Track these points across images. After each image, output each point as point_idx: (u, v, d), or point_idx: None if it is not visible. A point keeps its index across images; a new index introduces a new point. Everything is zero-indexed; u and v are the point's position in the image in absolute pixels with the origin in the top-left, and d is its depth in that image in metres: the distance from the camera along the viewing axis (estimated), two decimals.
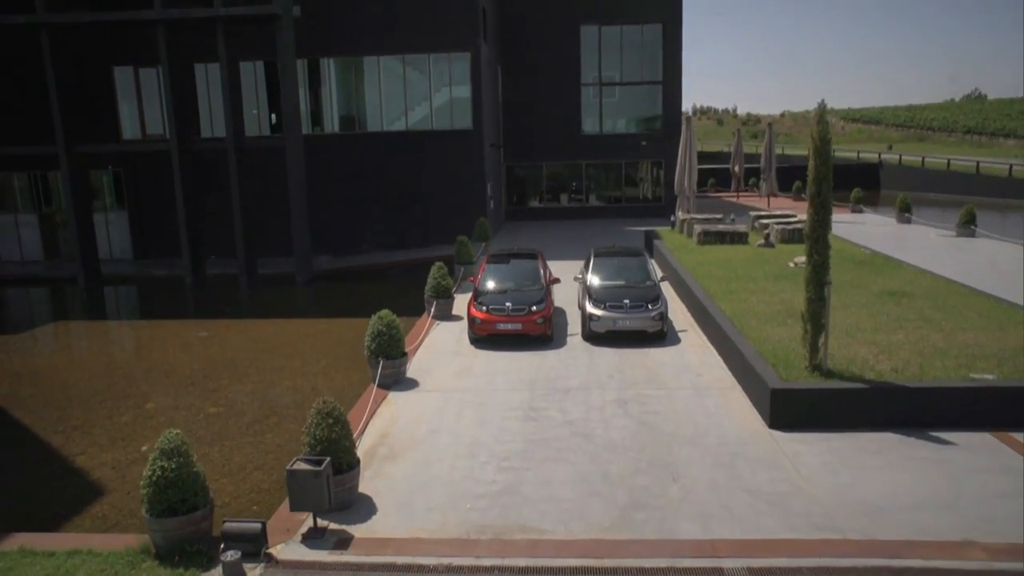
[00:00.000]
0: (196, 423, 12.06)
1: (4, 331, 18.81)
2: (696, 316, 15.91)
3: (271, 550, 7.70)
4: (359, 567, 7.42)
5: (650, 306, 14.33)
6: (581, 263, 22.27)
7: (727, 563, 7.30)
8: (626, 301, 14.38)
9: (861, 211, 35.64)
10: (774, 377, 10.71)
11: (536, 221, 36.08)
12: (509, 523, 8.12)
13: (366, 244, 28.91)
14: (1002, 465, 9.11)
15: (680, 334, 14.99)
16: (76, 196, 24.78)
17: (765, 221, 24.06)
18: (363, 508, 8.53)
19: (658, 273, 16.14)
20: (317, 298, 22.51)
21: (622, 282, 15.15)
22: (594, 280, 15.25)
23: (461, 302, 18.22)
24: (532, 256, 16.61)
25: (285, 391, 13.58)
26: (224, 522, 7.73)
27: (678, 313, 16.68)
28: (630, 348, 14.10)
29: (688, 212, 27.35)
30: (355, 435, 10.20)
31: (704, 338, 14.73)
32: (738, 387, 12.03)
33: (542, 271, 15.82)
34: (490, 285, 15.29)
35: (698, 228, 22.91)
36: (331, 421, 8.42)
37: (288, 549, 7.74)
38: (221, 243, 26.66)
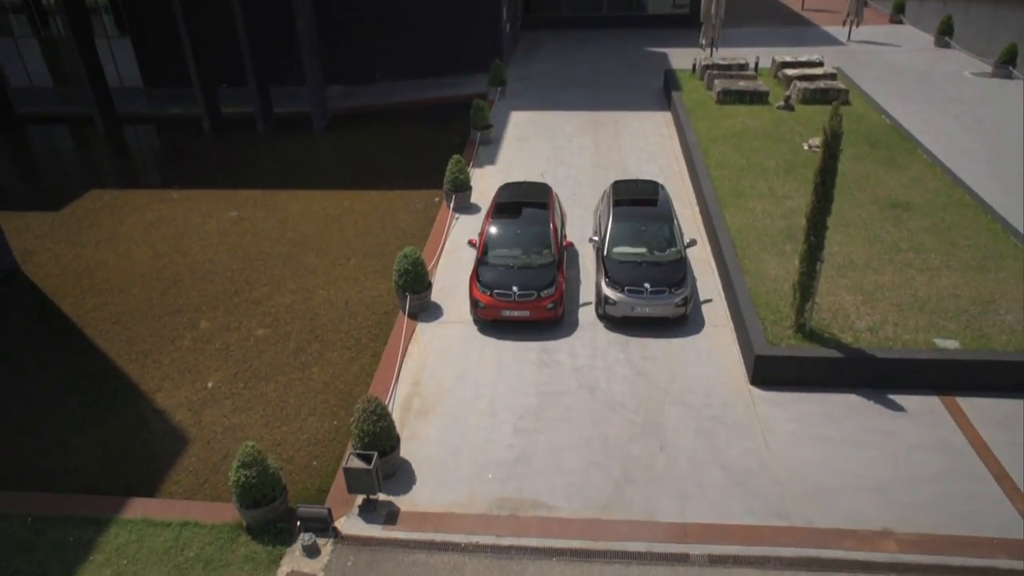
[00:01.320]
0: (249, 351, 13.84)
1: (44, 204, 19.93)
2: (705, 222, 16.73)
3: (336, 523, 9.90)
4: (407, 543, 9.65)
5: (673, 290, 13.02)
6: (594, 119, 22.30)
7: (693, 549, 9.43)
8: (646, 285, 13.00)
9: (900, 22, 33.65)
10: (760, 338, 12.13)
11: (555, 31, 34.52)
12: (524, 497, 10.19)
13: (378, 74, 28.42)
14: (938, 440, 10.88)
15: (688, 250, 15.94)
16: (72, 18, 23.79)
17: (790, 72, 23.38)
18: (405, 477, 10.60)
19: (685, 234, 14.72)
20: (336, 155, 22.99)
21: (643, 249, 13.65)
22: (612, 249, 13.69)
23: (479, 181, 18.95)
24: (543, 205, 14.92)
25: (321, 305, 15.13)
26: (298, 507, 9.85)
27: (688, 216, 17.46)
28: None
29: (713, 42, 26.27)
30: (392, 382, 12.07)
31: (709, 253, 15.77)
32: (730, 326, 13.47)
33: (552, 236, 14.08)
34: (495, 254, 13.90)
35: (718, 86, 22.46)
36: (375, 418, 10.15)
37: (349, 523, 9.93)
38: (230, 70, 26.52)
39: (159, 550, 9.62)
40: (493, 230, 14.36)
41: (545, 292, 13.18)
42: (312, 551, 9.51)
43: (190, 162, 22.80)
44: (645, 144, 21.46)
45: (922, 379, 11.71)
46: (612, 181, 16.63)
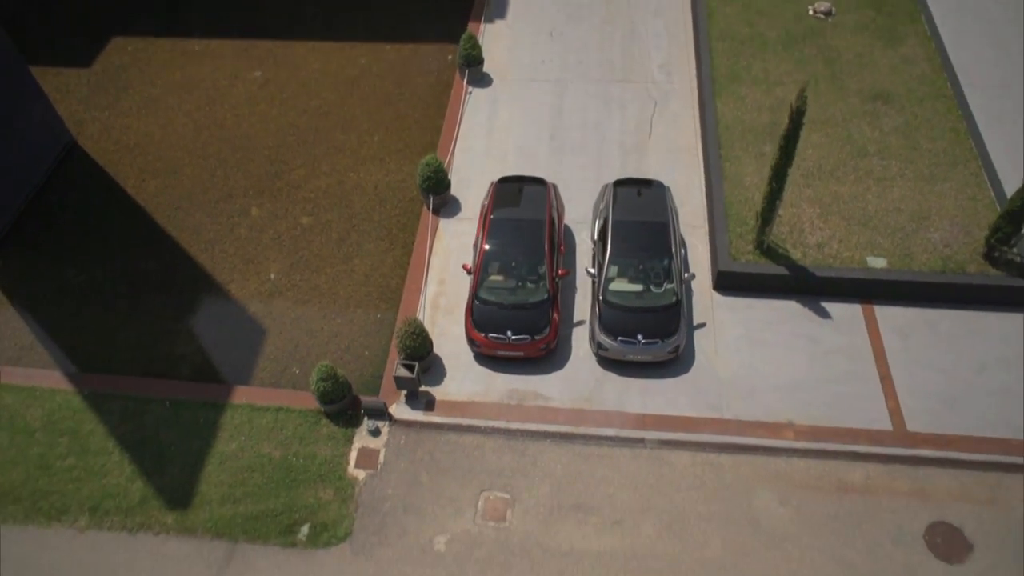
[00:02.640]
0: (297, 241, 16.73)
1: (71, 58, 21.27)
2: (700, 113, 18.47)
3: (390, 409, 13.84)
4: (442, 426, 13.67)
5: (666, 340, 13.57)
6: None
7: (648, 435, 13.42)
8: (639, 337, 13.52)
9: None
10: (725, 254, 15.03)
11: None
12: (527, 389, 14.00)
13: None
14: (849, 345, 14.33)
15: (673, 156, 17.92)
16: None
17: None
18: (438, 371, 14.30)
19: (686, 268, 15.20)
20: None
21: (639, 287, 13.93)
22: (608, 288, 14.00)
23: (491, 43, 20.18)
24: (539, 224, 14.57)
25: (354, 191, 17.64)
26: (362, 400, 13.72)
27: (686, 95, 19.06)
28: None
29: None
30: (422, 281, 15.28)
31: (699, 142, 17.83)
32: (705, 228, 16.22)
33: (548, 266, 14.14)
34: (489, 287, 14.15)
35: None
36: (415, 335, 13.55)
37: (399, 410, 13.86)
38: None
39: (265, 428, 13.70)
40: (487, 259, 14.30)
41: (539, 336, 13.72)
42: (375, 433, 13.57)
43: (202, 2, 23.31)
44: (658, 5, 21.78)
45: (851, 291, 14.82)
46: (613, 182, 15.75)
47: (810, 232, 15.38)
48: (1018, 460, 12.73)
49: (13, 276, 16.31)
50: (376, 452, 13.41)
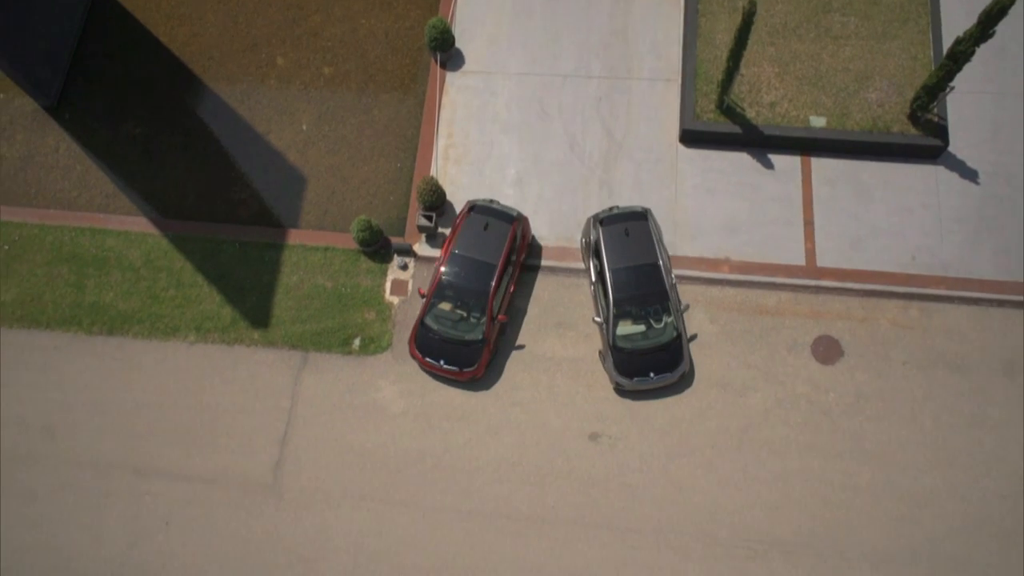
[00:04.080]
0: (322, 91, 19.48)
1: None
2: None
3: (414, 248, 17.93)
4: None
5: (675, 370, 16.09)
6: None
7: None
8: (652, 374, 15.96)
9: None
10: (690, 113, 18.08)
11: None
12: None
13: None
14: (784, 193, 17.99)
15: (656, 7, 19.78)
16: None
17: None
18: (451, 213, 18.14)
19: (682, 299, 16.77)
20: None
21: (642, 328, 16.06)
22: (616, 335, 16.02)
23: None
24: (491, 268, 16.17)
25: (367, 39, 19.92)
26: (392, 240, 17.75)
27: None
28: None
29: None
30: (434, 135, 18.59)
31: None
32: (677, 81, 18.96)
33: (489, 312, 16.09)
34: (435, 315, 16.39)
35: None
36: (432, 191, 17.18)
37: (421, 248, 17.95)
38: None
39: (317, 264, 17.90)
40: (440, 288, 16.33)
41: (468, 369, 16.22)
42: (404, 267, 17.80)
43: None
44: None
45: (794, 146, 18.10)
46: (597, 218, 16.83)
47: (766, 91, 18.23)
48: (894, 289, 17.08)
49: (81, 130, 19.40)
50: (405, 282, 17.76)
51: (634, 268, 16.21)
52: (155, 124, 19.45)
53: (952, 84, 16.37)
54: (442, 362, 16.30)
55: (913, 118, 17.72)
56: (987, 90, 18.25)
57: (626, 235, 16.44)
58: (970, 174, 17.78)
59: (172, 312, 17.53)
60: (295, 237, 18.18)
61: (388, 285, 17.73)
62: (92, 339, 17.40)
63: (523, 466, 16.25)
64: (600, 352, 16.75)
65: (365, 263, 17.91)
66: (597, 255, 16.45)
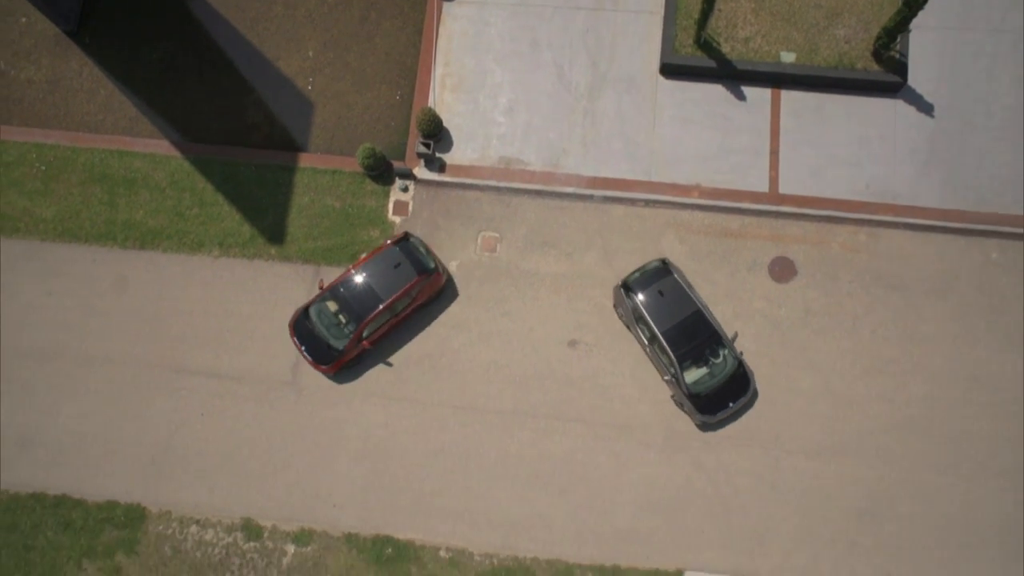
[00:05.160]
0: (326, 18, 20.74)
1: None
2: None
3: (414, 171, 19.91)
4: (452, 184, 19.86)
5: (747, 392, 17.80)
6: None
7: (596, 192, 19.65)
8: (731, 404, 17.70)
9: None
10: (669, 48, 19.61)
11: None
12: (511, 155, 19.87)
13: None
14: (753, 124, 19.74)
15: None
16: None
17: None
18: (447, 140, 19.97)
19: (729, 330, 18.09)
20: None
21: (707, 369, 17.58)
22: (689, 384, 17.45)
23: None
24: (378, 299, 17.80)
25: None
26: (394, 164, 19.70)
27: None
28: None
29: None
30: (432, 64, 20.22)
31: None
32: (661, 14, 20.31)
33: (360, 327, 17.76)
34: (318, 309, 18.21)
35: None
36: (430, 120, 18.97)
37: (420, 172, 19.92)
38: None
39: (326, 186, 19.92)
40: (334, 289, 18.10)
41: (323, 365, 18.18)
42: (404, 190, 19.83)
43: None
44: None
45: (765, 79, 19.71)
46: (624, 287, 17.94)
47: (742, 27, 19.66)
48: (847, 215, 19.13)
49: (101, 55, 20.95)
50: (406, 204, 19.83)
51: (681, 323, 17.50)
52: (170, 49, 20.95)
53: (909, 28, 17.85)
54: (304, 348, 18.38)
55: (876, 55, 19.24)
56: (950, 25, 19.68)
57: (661, 296, 17.66)
58: (926, 108, 19.48)
59: (197, 229, 19.70)
60: (305, 160, 20.10)
61: (391, 206, 19.80)
62: (126, 252, 19.66)
63: (510, 368, 18.84)
64: (673, 397, 18.34)
65: (370, 185, 19.92)
66: (642, 321, 17.75)
